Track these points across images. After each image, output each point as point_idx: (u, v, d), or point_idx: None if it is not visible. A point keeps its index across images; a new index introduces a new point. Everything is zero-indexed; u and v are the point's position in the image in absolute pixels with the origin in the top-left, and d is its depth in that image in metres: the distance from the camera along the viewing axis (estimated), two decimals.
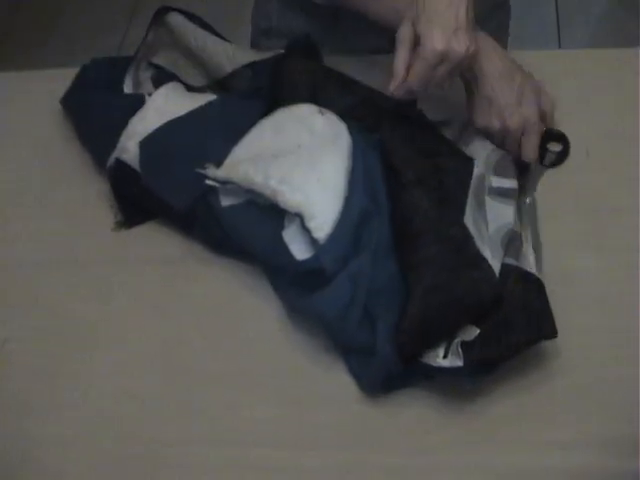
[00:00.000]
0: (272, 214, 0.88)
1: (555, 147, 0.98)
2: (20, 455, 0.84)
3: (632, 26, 2.14)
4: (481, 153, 0.92)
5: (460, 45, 0.86)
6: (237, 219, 0.91)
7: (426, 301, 0.79)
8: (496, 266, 0.82)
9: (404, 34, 0.89)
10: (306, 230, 0.84)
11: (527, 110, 0.92)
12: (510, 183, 0.89)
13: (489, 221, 0.86)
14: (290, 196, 0.85)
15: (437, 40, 0.86)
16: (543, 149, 0.97)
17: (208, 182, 0.90)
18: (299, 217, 0.85)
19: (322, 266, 0.82)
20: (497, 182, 0.89)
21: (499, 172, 0.91)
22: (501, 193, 0.89)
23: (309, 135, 0.92)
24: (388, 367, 0.79)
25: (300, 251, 0.86)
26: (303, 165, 0.88)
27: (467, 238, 0.83)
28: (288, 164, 0.88)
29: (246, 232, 0.91)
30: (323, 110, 0.93)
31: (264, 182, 0.87)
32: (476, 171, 0.89)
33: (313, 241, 0.84)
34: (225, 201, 0.91)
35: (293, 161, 0.89)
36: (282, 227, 0.88)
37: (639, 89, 1.02)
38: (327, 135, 0.92)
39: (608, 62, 1.09)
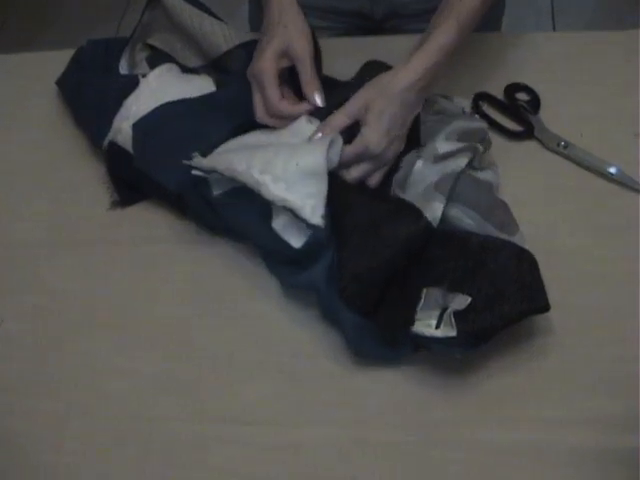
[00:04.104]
0: (260, 203, 0.88)
1: None
2: (17, 432, 0.84)
3: (626, 14, 2.15)
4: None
5: (391, 151, 0.89)
6: (228, 208, 0.91)
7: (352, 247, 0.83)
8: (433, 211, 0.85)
9: (356, 110, 0.88)
10: (300, 220, 0.84)
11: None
12: (458, 144, 0.91)
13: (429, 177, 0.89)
14: (273, 187, 0.85)
15: (374, 143, 0.87)
16: None
17: (194, 172, 0.90)
18: (289, 211, 0.85)
19: (321, 245, 0.84)
20: (444, 148, 0.91)
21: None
22: (449, 155, 0.90)
23: (297, 140, 0.92)
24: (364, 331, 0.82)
25: (295, 239, 0.86)
26: (283, 153, 0.88)
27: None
28: (270, 154, 0.88)
29: (240, 220, 0.91)
30: (312, 119, 0.93)
31: (247, 171, 0.86)
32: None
33: (306, 226, 0.85)
34: (216, 190, 0.91)
35: (274, 151, 0.88)
36: (271, 217, 0.88)
37: (638, 71, 1.03)
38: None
39: (602, 44, 1.09)
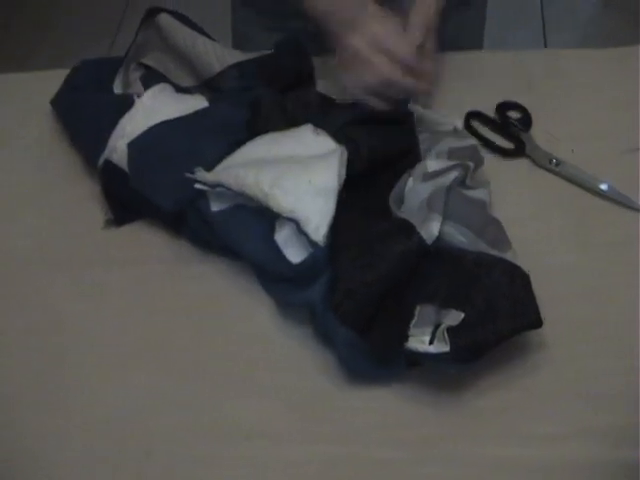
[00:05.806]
0: (262, 217, 0.89)
1: None
2: (13, 447, 0.84)
3: (618, 30, 2.16)
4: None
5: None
6: (227, 224, 0.91)
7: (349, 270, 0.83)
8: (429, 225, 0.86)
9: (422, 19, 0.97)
10: (302, 234, 0.85)
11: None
12: (448, 163, 0.92)
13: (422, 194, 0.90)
14: (282, 200, 0.86)
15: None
16: None
17: (197, 186, 0.91)
18: (294, 222, 0.85)
19: (319, 265, 0.84)
20: (433, 166, 0.91)
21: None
22: (437, 174, 0.90)
23: (302, 149, 0.93)
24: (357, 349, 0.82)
25: (294, 254, 0.87)
26: (295, 169, 0.89)
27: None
28: (280, 169, 0.89)
29: (237, 237, 0.91)
30: (318, 130, 0.94)
31: (255, 184, 0.87)
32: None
33: (307, 242, 0.85)
34: (215, 206, 0.92)
35: (285, 166, 0.89)
36: (273, 230, 0.89)
37: (629, 88, 1.04)
38: (320, 151, 0.93)
39: (593, 61, 1.10)
